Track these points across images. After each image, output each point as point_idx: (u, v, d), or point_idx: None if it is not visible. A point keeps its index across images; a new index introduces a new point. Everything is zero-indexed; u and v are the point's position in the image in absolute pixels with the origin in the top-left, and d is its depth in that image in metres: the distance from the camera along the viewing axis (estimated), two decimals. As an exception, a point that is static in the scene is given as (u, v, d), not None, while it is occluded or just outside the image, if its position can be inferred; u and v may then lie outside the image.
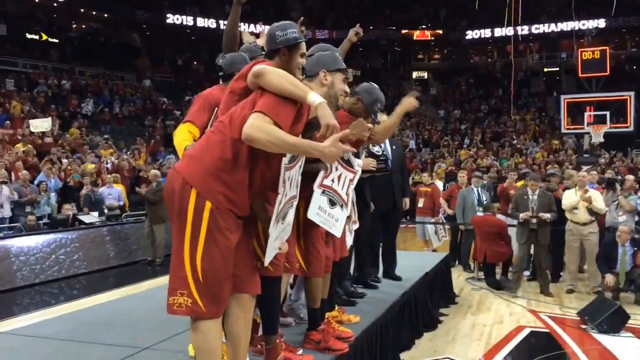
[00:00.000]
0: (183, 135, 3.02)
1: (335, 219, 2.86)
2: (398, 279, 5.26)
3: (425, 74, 35.27)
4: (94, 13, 28.66)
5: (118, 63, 26.69)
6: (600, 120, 18.00)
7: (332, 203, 2.84)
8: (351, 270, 4.80)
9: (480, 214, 8.08)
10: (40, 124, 13.39)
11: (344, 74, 2.83)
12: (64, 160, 12.53)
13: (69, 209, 9.84)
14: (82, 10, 28.10)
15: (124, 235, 10.18)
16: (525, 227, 7.11)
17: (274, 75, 2.25)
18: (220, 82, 3.35)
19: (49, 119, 14.19)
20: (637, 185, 8.12)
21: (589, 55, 19.45)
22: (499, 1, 23.51)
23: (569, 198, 7.14)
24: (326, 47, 3.23)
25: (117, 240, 9.98)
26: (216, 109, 2.88)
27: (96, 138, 16.42)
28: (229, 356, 2.47)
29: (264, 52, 3.09)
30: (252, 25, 26.19)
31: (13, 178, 10.18)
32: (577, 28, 27.00)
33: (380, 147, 5.08)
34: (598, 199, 7.03)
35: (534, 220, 7.00)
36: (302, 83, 2.44)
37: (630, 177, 8.33)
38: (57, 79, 21.84)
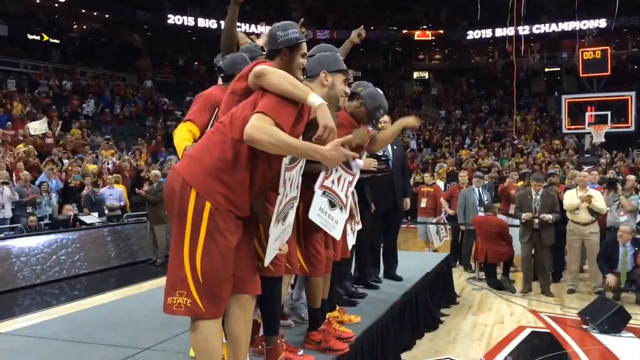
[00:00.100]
0: (183, 135, 3.01)
1: (335, 221, 2.86)
2: (399, 279, 5.26)
3: (426, 74, 35.27)
4: (95, 14, 28.68)
5: (119, 63, 26.71)
6: (601, 120, 17.97)
7: (332, 205, 2.84)
8: (352, 271, 4.80)
9: (481, 214, 8.08)
10: (39, 126, 13.41)
11: (345, 74, 2.83)
12: (65, 161, 12.55)
13: (70, 210, 9.85)
14: (83, 10, 28.13)
15: (125, 236, 10.19)
16: (528, 227, 7.12)
17: (275, 75, 2.25)
18: (219, 82, 3.35)
19: (44, 119, 14.20)
20: (638, 185, 8.10)
21: (589, 55, 19.41)
22: (499, 1, 23.53)
23: (570, 198, 7.13)
24: (327, 48, 3.23)
25: (118, 240, 9.99)
26: (217, 109, 2.88)
27: (97, 139, 16.44)
28: (229, 357, 2.47)
29: (264, 53, 3.09)
30: (252, 26, 26.24)
31: (14, 178, 10.19)
32: (578, 28, 26.97)
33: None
34: (599, 199, 7.03)
35: (536, 221, 7.00)
36: (303, 83, 2.44)
37: (632, 177, 8.33)
38: (58, 79, 21.87)
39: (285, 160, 2.34)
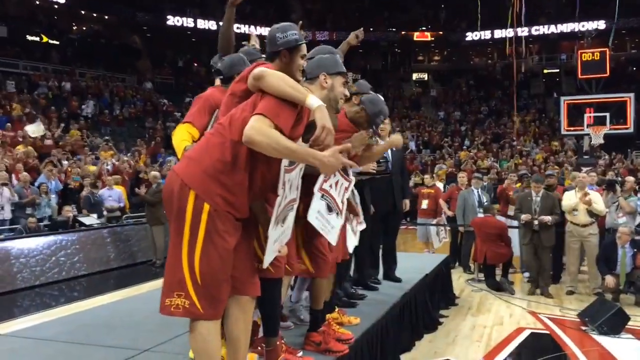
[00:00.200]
0: (182, 136, 3.01)
1: (332, 226, 2.86)
2: (398, 280, 5.27)
3: (425, 76, 35.29)
4: (94, 15, 28.69)
5: (118, 65, 26.72)
6: (600, 121, 17.99)
7: (330, 209, 2.84)
8: (351, 272, 4.80)
9: (480, 215, 8.09)
10: (36, 129, 13.40)
11: (344, 77, 2.84)
12: (65, 162, 12.54)
13: (69, 211, 9.85)
14: (82, 12, 28.13)
15: (125, 237, 10.19)
16: (528, 229, 7.14)
17: (274, 77, 2.26)
18: (217, 83, 3.35)
19: (38, 121, 14.19)
20: (637, 187, 8.12)
21: (588, 56, 19.45)
22: (498, 3, 23.56)
23: (569, 199, 7.14)
24: (327, 49, 3.24)
25: (118, 242, 9.99)
26: (217, 111, 2.88)
27: (96, 140, 16.43)
28: (229, 358, 2.47)
29: (263, 55, 3.09)
30: (252, 27, 26.24)
31: (15, 180, 10.17)
32: (576, 29, 27.00)
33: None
34: (598, 201, 7.04)
35: (536, 222, 7.01)
36: (303, 86, 2.44)
37: (631, 178, 8.34)
38: (57, 80, 21.87)
39: (285, 162, 2.35)
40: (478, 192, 8.56)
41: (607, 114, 18.07)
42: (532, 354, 5.11)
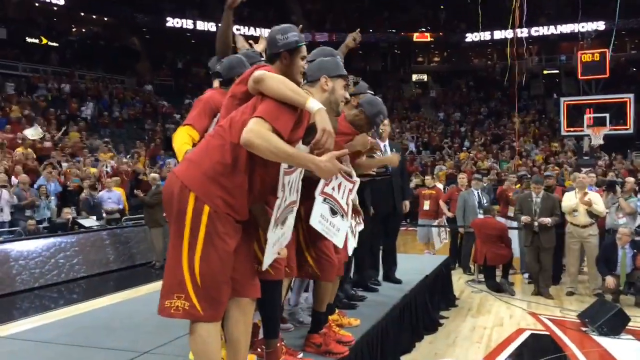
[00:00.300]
0: (183, 139, 3.00)
1: (337, 229, 2.84)
2: (398, 282, 5.26)
3: (425, 77, 35.32)
4: (93, 17, 28.71)
5: (118, 66, 26.72)
6: (600, 122, 17.97)
7: (333, 212, 2.83)
8: (351, 274, 4.80)
9: (480, 216, 8.08)
10: (35, 132, 13.39)
11: (345, 80, 2.84)
12: (64, 164, 12.53)
13: (68, 213, 9.84)
14: (82, 14, 28.14)
15: (124, 239, 10.18)
16: (529, 231, 7.14)
17: (274, 81, 2.26)
18: (215, 86, 3.35)
19: (36, 125, 14.19)
20: (637, 188, 8.12)
21: (588, 57, 19.44)
22: (498, 4, 23.56)
23: (569, 200, 7.14)
24: (327, 51, 3.25)
25: (117, 243, 9.98)
26: (218, 114, 2.87)
27: (96, 142, 16.43)
28: (229, 360, 2.47)
29: (262, 58, 3.09)
30: (251, 28, 26.26)
31: (14, 179, 10.15)
32: (576, 30, 26.97)
33: (380, 150, 5.09)
34: (598, 202, 7.03)
35: (536, 224, 7.01)
36: (303, 88, 2.44)
37: (631, 179, 8.34)
38: (57, 82, 21.87)
39: (284, 165, 2.34)
40: (478, 193, 8.56)
41: (607, 115, 18.06)
42: (532, 355, 5.10)
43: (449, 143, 24.01)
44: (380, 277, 5.30)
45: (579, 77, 20.08)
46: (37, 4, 25.52)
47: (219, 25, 3.57)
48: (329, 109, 2.37)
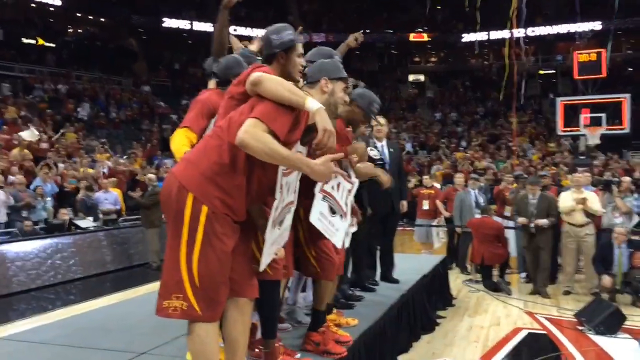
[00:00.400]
0: (182, 141, 2.99)
1: (336, 228, 2.85)
2: (396, 281, 5.27)
3: (421, 77, 35.35)
4: (90, 17, 28.65)
5: (115, 67, 26.66)
6: (596, 122, 18.06)
7: (332, 211, 2.84)
8: (349, 273, 4.80)
9: (477, 216, 8.10)
10: (31, 135, 13.36)
11: (345, 82, 2.84)
12: (60, 165, 12.50)
13: (65, 214, 9.82)
14: (78, 14, 28.07)
15: (121, 240, 10.17)
16: (526, 232, 7.17)
17: (271, 82, 2.26)
18: (210, 86, 3.35)
19: (32, 128, 14.16)
20: (634, 187, 8.14)
21: (584, 57, 19.52)
22: (494, 4, 23.55)
23: (565, 200, 7.16)
24: (327, 52, 3.26)
25: (114, 244, 9.97)
26: (216, 115, 2.87)
27: (92, 142, 16.39)
28: (227, 360, 2.47)
29: (259, 58, 3.09)
30: (248, 29, 26.23)
31: (12, 178, 10.12)
32: (572, 30, 27.05)
33: (378, 150, 5.11)
34: (595, 201, 7.06)
35: (532, 225, 7.04)
36: (303, 89, 2.44)
37: (627, 178, 8.37)
38: (53, 83, 21.79)
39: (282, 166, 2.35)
40: (475, 192, 8.58)
41: (603, 115, 18.14)
42: (529, 354, 5.12)
43: (445, 143, 24.03)
44: (377, 277, 5.31)
45: (575, 77, 20.15)
46: (33, 5, 25.45)
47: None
48: (328, 111, 2.38)
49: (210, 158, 2.26)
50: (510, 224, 8.07)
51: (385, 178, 3.95)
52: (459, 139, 25.27)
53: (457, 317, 6.11)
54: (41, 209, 9.86)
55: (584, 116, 18.26)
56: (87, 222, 9.98)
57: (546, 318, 6.10)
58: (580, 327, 5.66)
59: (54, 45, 26.32)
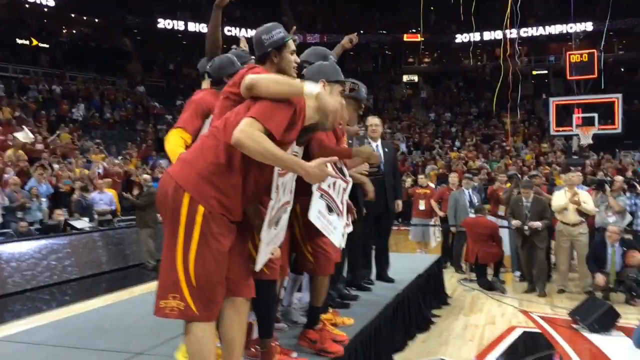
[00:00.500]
0: (176, 141, 2.97)
1: (334, 227, 2.86)
2: (391, 281, 5.28)
3: (415, 77, 35.42)
4: (84, 18, 28.54)
5: (109, 68, 26.58)
6: (588, 122, 18.15)
7: (330, 209, 2.85)
8: (344, 273, 4.82)
9: (472, 215, 8.14)
10: (25, 136, 13.30)
11: (342, 85, 2.87)
12: (55, 166, 12.45)
13: (60, 214, 9.78)
14: (72, 15, 27.95)
15: (116, 240, 10.14)
16: (520, 234, 7.22)
17: (265, 81, 2.27)
18: (204, 86, 3.35)
19: (26, 129, 14.09)
20: (626, 186, 8.21)
21: (577, 58, 19.63)
22: (488, 5, 23.67)
23: (558, 199, 7.21)
24: (321, 52, 3.27)
25: (109, 245, 9.94)
26: (211, 115, 2.87)
27: (87, 143, 16.34)
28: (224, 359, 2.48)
29: (253, 57, 3.11)
30: (242, 29, 26.21)
31: (7, 176, 10.08)
32: (565, 31, 27.17)
33: (373, 150, 5.12)
34: (587, 200, 7.11)
35: (526, 228, 7.08)
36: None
37: (619, 178, 8.43)
38: (47, 84, 21.71)
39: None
40: (469, 192, 8.62)
41: (596, 115, 18.23)
42: (524, 353, 5.16)
43: (439, 143, 24.11)
44: (373, 277, 5.32)
45: (568, 77, 20.26)
46: (27, 5, 25.33)
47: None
48: (322, 114, 2.39)
49: (207, 158, 2.27)
50: (505, 223, 8.11)
51: (370, 188, 3.98)
52: (453, 139, 25.34)
53: (452, 316, 6.13)
54: (36, 210, 9.82)
55: (577, 116, 18.34)
56: (82, 223, 9.95)
57: (541, 316, 6.14)
58: (574, 325, 5.70)
59: (47, 45, 26.23)
